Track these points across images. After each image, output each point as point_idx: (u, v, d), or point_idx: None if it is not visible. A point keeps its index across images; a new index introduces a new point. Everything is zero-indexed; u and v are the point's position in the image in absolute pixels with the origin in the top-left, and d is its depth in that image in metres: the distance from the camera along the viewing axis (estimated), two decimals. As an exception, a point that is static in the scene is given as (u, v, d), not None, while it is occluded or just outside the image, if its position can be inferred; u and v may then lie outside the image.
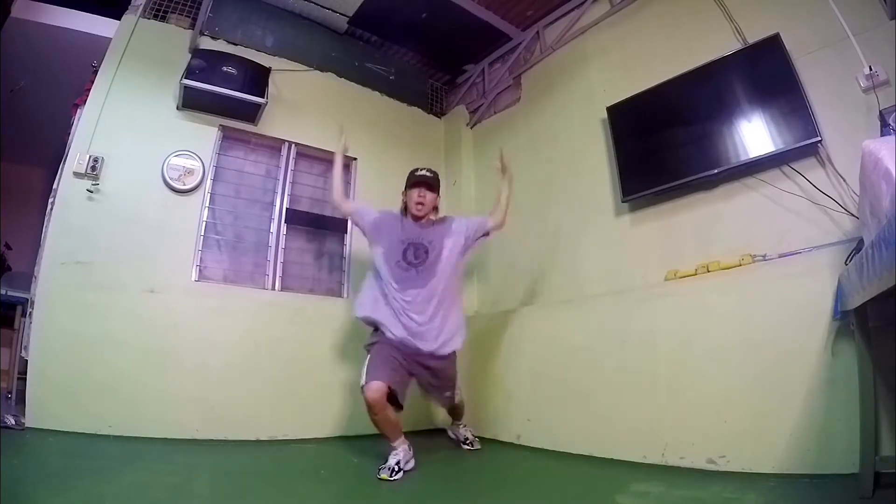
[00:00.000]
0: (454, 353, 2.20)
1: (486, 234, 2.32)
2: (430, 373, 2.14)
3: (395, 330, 2.05)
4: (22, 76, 3.48)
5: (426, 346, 2.06)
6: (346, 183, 2.32)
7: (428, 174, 2.23)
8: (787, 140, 1.94)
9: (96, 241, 2.39)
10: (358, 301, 2.23)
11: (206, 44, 2.91)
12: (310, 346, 2.76)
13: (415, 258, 2.11)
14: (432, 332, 2.07)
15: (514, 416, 2.62)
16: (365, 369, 1.95)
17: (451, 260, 2.15)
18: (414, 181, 2.21)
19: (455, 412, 2.50)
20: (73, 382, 2.19)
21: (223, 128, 2.90)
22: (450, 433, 2.58)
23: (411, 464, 1.93)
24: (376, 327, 2.14)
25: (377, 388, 1.85)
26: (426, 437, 2.90)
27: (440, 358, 2.12)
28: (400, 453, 1.88)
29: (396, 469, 1.80)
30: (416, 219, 2.19)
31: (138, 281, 2.42)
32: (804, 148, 1.91)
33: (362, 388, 1.89)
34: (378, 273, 2.16)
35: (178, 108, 2.76)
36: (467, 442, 2.44)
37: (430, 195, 2.19)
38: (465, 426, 2.53)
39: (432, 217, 2.26)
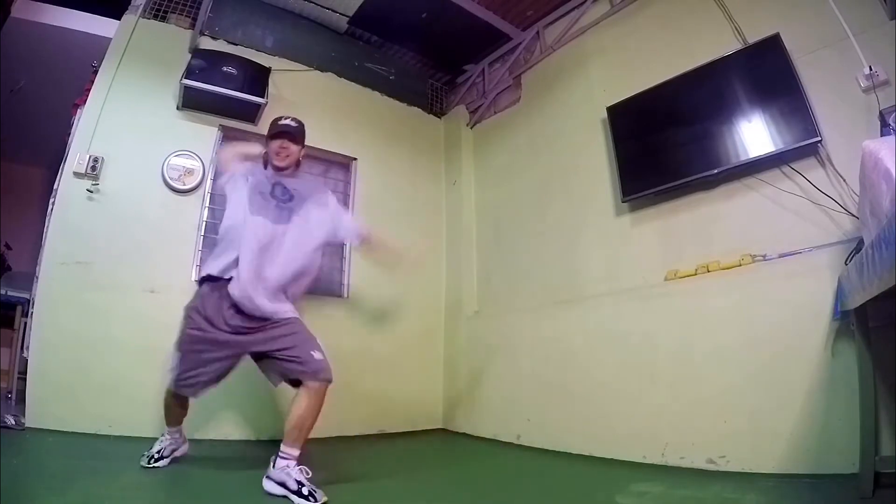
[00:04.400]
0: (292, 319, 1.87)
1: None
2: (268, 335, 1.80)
3: (234, 287, 1.68)
4: (22, 76, 3.49)
5: (263, 305, 1.73)
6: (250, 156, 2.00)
7: (292, 123, 1.97)
8: (787, 140, 1.94)
9: (96, 241, 2.39)
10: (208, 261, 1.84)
11: (206, 44, 2.91)
12: (310, 346, 2.75)
13: (281, 195, 1.86)
14: (275, 291, 1.77)
15: (514, 416, 2.62)
16: (177, 361, 1.72)
17: (313, 232, 1.88)
18: (276, 132, 1.94)
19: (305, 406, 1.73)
20: (73, 382, 2.19)
21: (223, 128, 2.90)
22: (268, 478, 1.57)
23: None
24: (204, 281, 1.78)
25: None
26: (425, 437, 2.92)
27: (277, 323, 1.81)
28: (166, 440, 1.86)
29: (156, 457, 1.79)
30: (279, 170, 1.93)
31: (138, 281, 2.43)
32: (804, 148, 1.91)
33: (172, 381, 1.73)
34: (232, 225, 1.80)
35: (178, 108, 2.76)
36: (302, 492, 1.45)
37: (293, 146, 1.94)
38: (295, 463, 1.58)
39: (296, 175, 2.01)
